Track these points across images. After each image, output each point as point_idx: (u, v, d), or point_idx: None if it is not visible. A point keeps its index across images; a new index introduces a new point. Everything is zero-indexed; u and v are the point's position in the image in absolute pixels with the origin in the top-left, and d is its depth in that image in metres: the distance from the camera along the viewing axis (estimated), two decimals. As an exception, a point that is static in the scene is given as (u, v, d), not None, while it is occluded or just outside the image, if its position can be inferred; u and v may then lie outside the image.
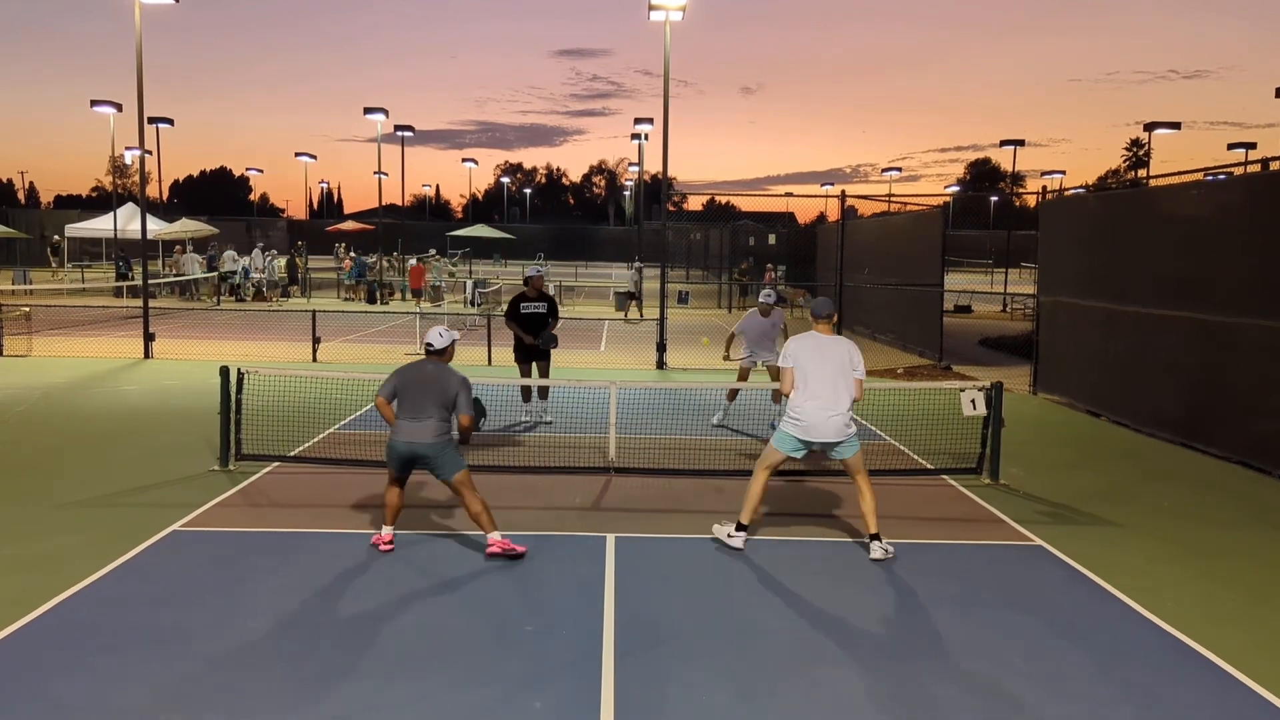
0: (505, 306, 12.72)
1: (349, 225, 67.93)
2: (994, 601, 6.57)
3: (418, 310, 26.36)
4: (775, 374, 12.19)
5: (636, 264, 34.98)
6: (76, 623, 5.86)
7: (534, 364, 12.25)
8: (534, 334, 12.10)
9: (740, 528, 7.54)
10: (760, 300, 12.55)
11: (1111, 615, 6.38)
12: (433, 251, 47.85)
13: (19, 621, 5.81)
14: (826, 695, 5.16)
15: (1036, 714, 4.99)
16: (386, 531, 7.33)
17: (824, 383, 7.41)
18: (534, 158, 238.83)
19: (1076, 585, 6.94)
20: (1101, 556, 7.50)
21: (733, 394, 12.54)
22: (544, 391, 12.29)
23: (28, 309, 20.25)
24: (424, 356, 7.44)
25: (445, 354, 7.43)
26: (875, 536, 7.44)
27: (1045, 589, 6.85)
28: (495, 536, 7.18)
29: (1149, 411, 12.59)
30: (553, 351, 12.41)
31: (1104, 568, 7.23)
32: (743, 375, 12.42)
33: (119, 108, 38.36)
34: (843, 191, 19.42)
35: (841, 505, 8.81)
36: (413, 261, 38.67)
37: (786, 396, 7.58)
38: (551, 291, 35.96)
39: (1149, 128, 40.99)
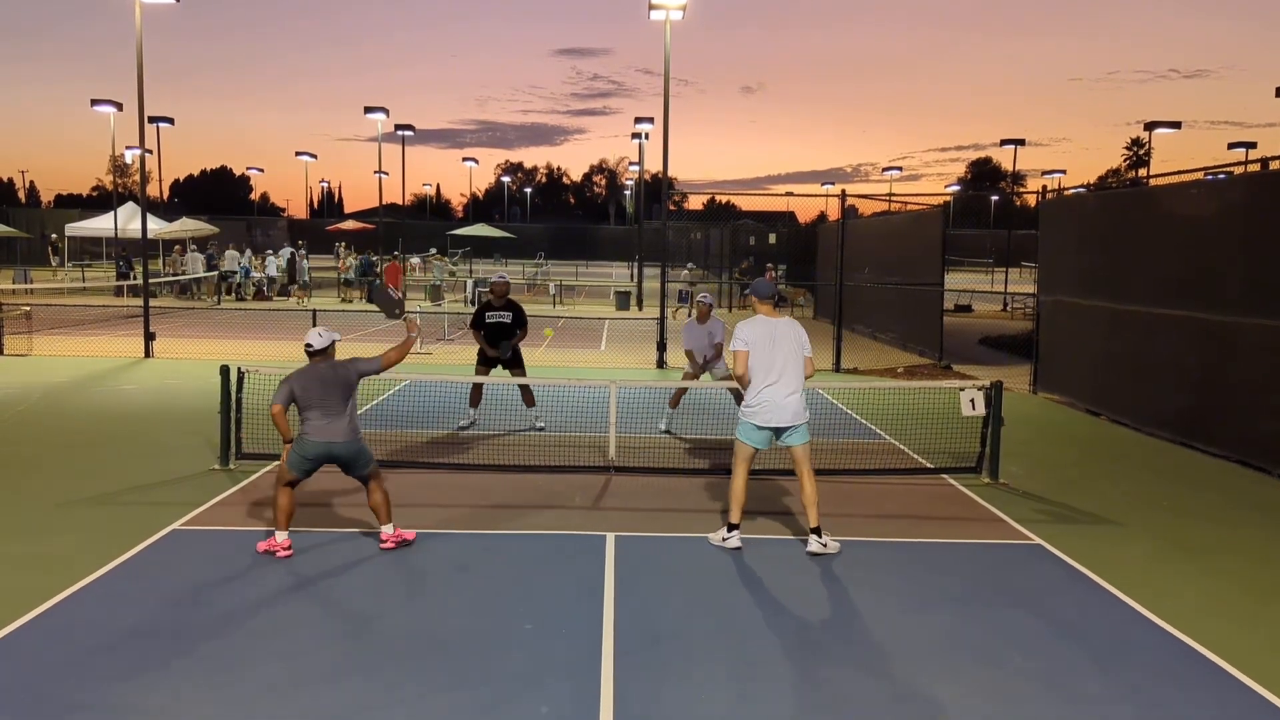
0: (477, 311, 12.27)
1: (349, 224, 68.00)
2: (994, 600, 6.57)
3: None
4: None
5: (689, 265, 35.25)
6: (77, 621, 5.87)
7: (508, 373, 11.82)
8: (495, 346, 11.66)
9: (731, 528, 7.52)
10: (698, 300, 11.77)
11: (1111, 614, 6.38)
12: (433, 251, 47.89)
13: (20, 620, 5.82)
14: (827, 694, 5.16)
15: (1036, 713, 5.00)
16: (283, 537, 7.12)
17: (778, 366, 7.39)
18: (534, 157, 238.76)
19: (1076, 584, 6.94)
20: (1101, 555, 7.51)
21: (676, 400, 12.13)
22: (530, 399, 11.92)
23: (28, 308, 20.26)
24: (320, 360, 7.24)
25: (327, 354, 7.29)
26: (816, 530, 7.45)
27: (1045, 588, 6.85)
28: (388, 530, 7.24)
29: (1149, 411, 12.60)
30: (553, 349, 12.13)
31: (1103, 567, 7.23)
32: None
33: (119, 107, 38.42)
34: (843, 191, 19.41)
35: (839, 504, 8.81)
36: (373, 259, 38.21)
37: (739, 379, 7.50)
38: (552, 291, 36.23)
39: (1149, 127, 41.03)
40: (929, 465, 10.40)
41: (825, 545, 7.39)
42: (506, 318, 11.79)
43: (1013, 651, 5.74)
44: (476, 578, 6.80)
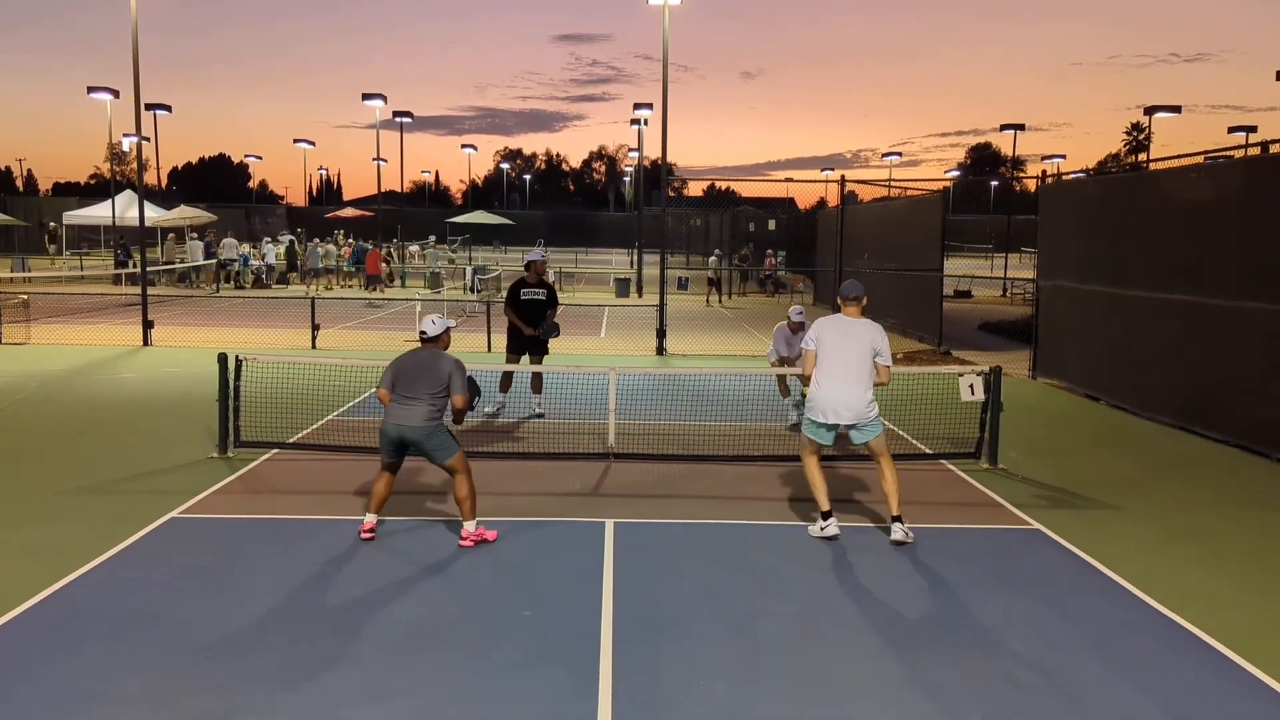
0: (504, 293, 12.41)
1: (348, 212, 67.88)
2: (993, 585, 6.57)
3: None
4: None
5: (716, 252, 35.30)
6: (76, 609, 5.87)
7: (528, 356, 11.94)
8: (532, 323, 11.77)
9: (826, 515, 7.54)
10: (792, 318, 11.59)
11: (1109, 598, 6.38)
12: (432, 238, 47.84)
13: (19, 607, 5.82)
14: (825, 678, 5.17)
15: (1034, 696, 5.00)
16: (370, 519, 7.26)
17: (840, 364, 7.40)
18: (533, 143, 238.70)
19: (1074, 569, 6.94)
20: (1099, 540, 7.51)
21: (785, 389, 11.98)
22: (538, 385, 11.98)
23: (26, 296, 20.23)
24: (429, 347, 7.34)
25: (440, 341, 7.37)
26: (897, 519, 7.44)
27: (1043, 572, 6.86)
28: (470, 528, 7.17)
29: (1148, 395, 12.59)
30: (552, 339, 12.10)
31: (1101, 551, 7.24)
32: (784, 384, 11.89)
33: (116, 94, 38.27)
34: (842, 176, 19.39)
35: (843, 490, 8.81)
36: (368, 246, 37.99)
37: (807, 379, 7.63)
38: (551, 278, 36.18)
39: (1149, 111, 40.91)
40: (928, 451, 10.40)
41: (907, 535, 7.38)
42: (541, 295, 11.93)
43: (1012, 635, 5.74)
44: (475, 565, 6.79)
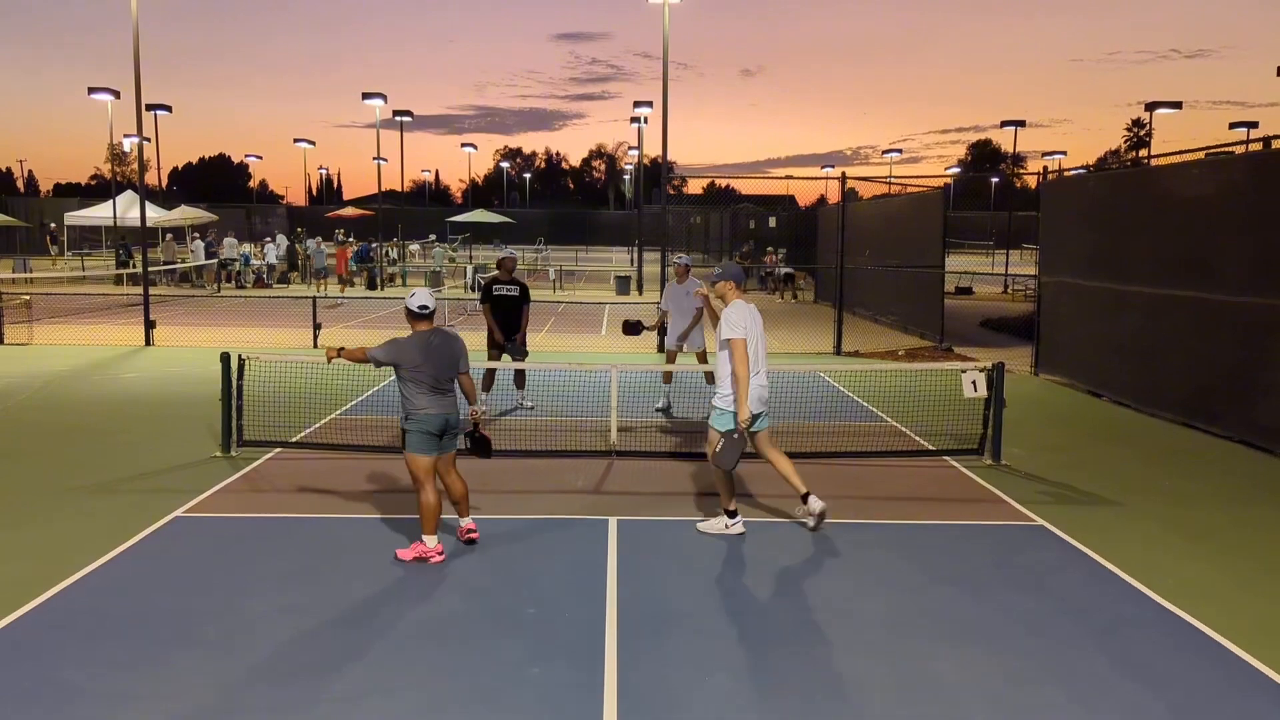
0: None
1: (349, 211, 67.84)
2: (996, 581, 6.58)
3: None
4: (701, 358, 11.97)
5: (746, 246, 35.07)
6: (81, 608, 5.88)
7: (508, 356, 11.93)
8: (507, 318, 11.83)
9: (731, 515, 7.44)
10: (678, 264, 12.20)
11: (1112, 594, 6.39)
12: (432, 237, 47.84)
13: (25, 606, 5.83)
14: (831, 675, 5.17)
15: (1038, 691, 5.01)
16: (434, 541, 6.79)
17: (759, 352, 7.33)
18: (533, 142, 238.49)
19: (1078, 564, 6.95)
20: (1102, 536, 7.51)
21: (668, 376, 12.39)
22: (521, 380, 12.18)
23: (28, 297, 20.23)
24: (427, 326, 6.86)
25: (434, 317, 7.00)
26: (806, 496, 7.43)
27: (1047, 568, 6.86)
28: (467, 522, 7.15)
29: (1151, 391, 12.59)
30: (553, 334, 12.17)
31: (1105, 547, 7.24)
32: (670, 359, 12.13)
33: (116, 95, 38.27)
34: (843, 173, 19.36)
35: (840, 487, 8.81)
36: (333, 244, 37.86)
37: (740, 369, 7.04)
38: (553, 276, 36.16)
39: (1150, 107, 40.86)
40: (930, 447, 10.40)
41: (822, 508, 7.39)
42: (515, 291, 11.96)
43: (1017, 631, 5.74)
44: (478, 562, 6.80)
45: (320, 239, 36.86)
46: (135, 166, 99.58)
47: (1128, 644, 5.60)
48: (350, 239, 41.55)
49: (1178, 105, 39.98)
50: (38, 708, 4.69)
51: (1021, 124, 45.31)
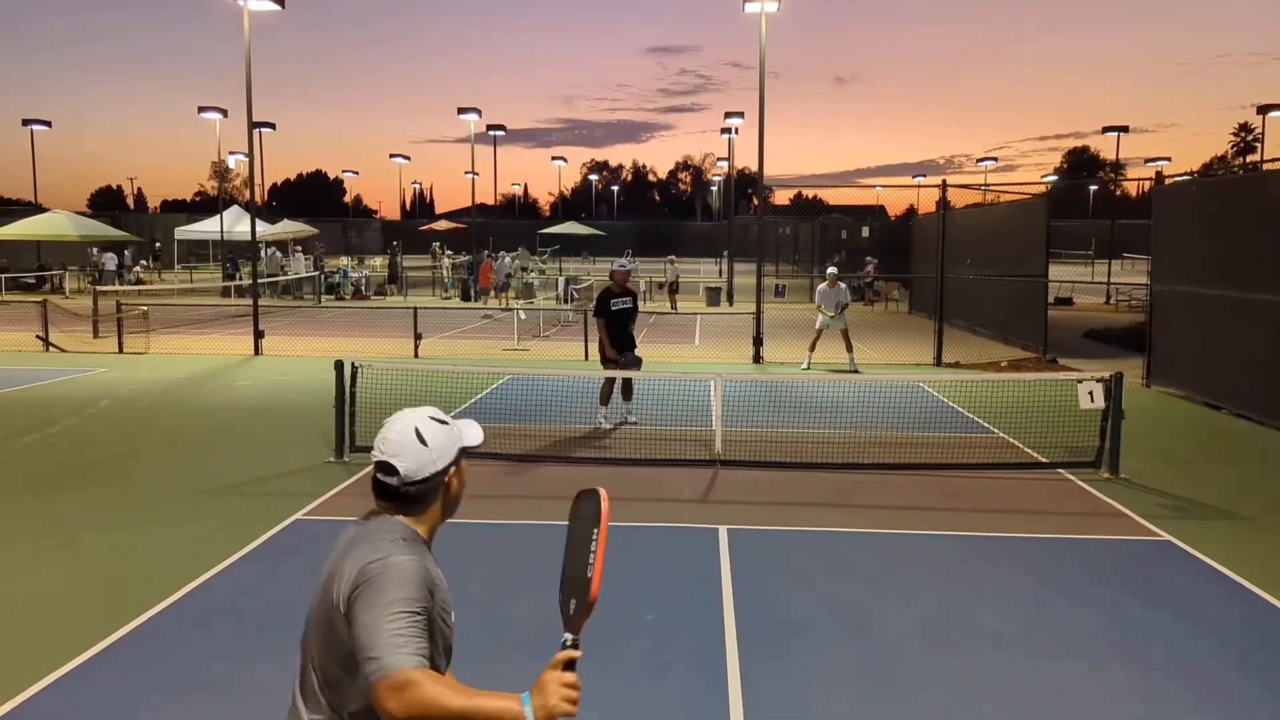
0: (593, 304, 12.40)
1: (442, 224, 69.21)
2: (1125, 597, 6.35)
3: (510, 307, 26.53)
4: None
5: (873, 261, 34.60)
6: (216, 605, 6.08)
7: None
8: (621, 331, 11.76)
9: None
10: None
11: (1251, 611, 6.12)
12: (522, 249, 48.36)
13: (162, 603, 6.05)
14: (961, 690, 5.05)
15: (1175, 710, 4.81)
16: None
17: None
18: (620, 155, 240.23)
19: (1210, 581, 6.67)
20: (1233, 551, 7.20)
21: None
22: (629, 391, 11.99)
23: (146, 308, 21.07)
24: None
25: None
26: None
27: (1178, 585, 6.61)
28: None
29: (1275, 402, 12.04)
30: (646, 345, 11.95)
31: (1237, 562, 6.94)
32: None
33: (225, 113, 39.69)
34: (943, 181, 19.05)
35: (955, 500, 8.63)
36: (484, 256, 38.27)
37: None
38: (642, 288, 36.17)
39: (1262, 110, 39.31)
40: (1044, 460, 10.12)
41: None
42: (628, 303, 11.92)
43: (1152, 649, 5.54)
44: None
45: (504, 252, 36.94)
46: (238, 183, 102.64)
47: (1269, 662, 5.35)
48: (488, 253, 42.02)
49: (1292, 107, 38.38)
50: (188, 698, 4.86)
51: (1125, 129, 44.16)
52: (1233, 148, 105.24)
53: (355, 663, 2.20)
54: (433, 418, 2.53)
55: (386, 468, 2.42)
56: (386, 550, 2.29)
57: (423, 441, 2.45)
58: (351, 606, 2.23)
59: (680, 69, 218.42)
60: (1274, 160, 14.01)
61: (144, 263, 42.11)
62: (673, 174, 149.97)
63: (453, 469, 2.54)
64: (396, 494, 2.44)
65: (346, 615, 2.24)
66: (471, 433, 2.60)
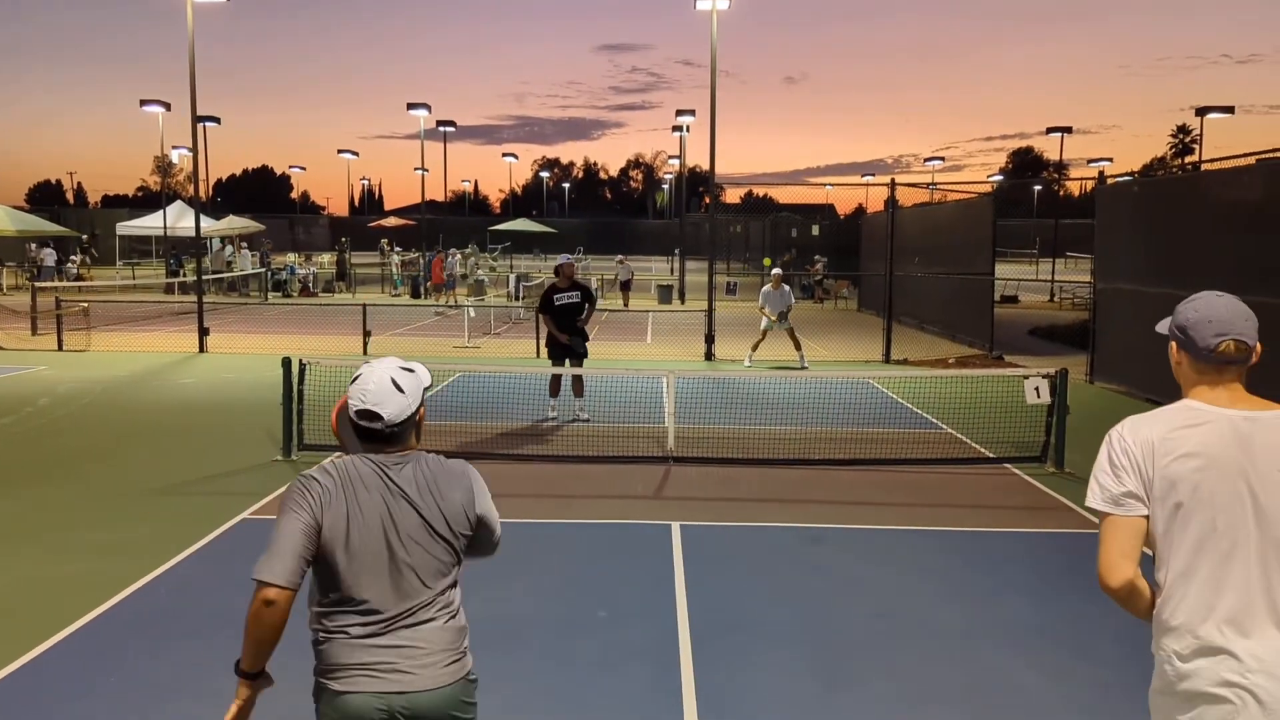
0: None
1: (391, 221, 68.53)
2: (1070, 589, 6.46)
3: (458, 304, 26.35)
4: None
5: (821, 259, 34.64)
6: (160, 608, 5.95)
7: (567, 362, 11.83)
8: (569, 326, 11.70)
9: None
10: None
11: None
12: (472, 246, 48.02)
13: (103, 605, 5.91)
14: (910, 683, 5.10)
15: (1125, 698, 4.91)
16: None
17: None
18: (571, 152, 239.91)
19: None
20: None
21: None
22: (579, 389, 11.89)
23: (86, 305, 20.58)
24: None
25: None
26: None
27: (1121, 577, 6.72)
28: None
29: (1213, 399, 12.31)
30: (599, 343, 11.99)
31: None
32: None
33: (168, 107, 38.94)
34: (892, 180, 19.28)
35: (904, 495, 8.72)
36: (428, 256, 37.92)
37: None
38: (594, 286, 36.09)
39: (1201, 112, 40.27)
40: (991, 455, 10.27)
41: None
42: (575, 297, 11.82)
43: (1096, 639, 5.64)
44: (545, 565, 6.79)
45: (455, 249, 36.45)
46: (181, 178, 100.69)
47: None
48: (439, 249, 41.42)
49: (1229, 110, 39.37)
50: (127, 701, 4.75)
51: (1068, 130, 44.99)
52: (1172, 149, 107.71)
53: (455, 549, 3.03)
54: (402, 366, 2.90)
55: (371, 415, 2.81)
56: (453, 463, 3.06)
57: (399, 389, 2.84)
58: (479, 501, 3.06)
59: (632, 66, 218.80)
60: (1212, 161, 14.37)
61: (73, 258, 40.43)
62: (624, 172, 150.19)
63: (420, 407, 2.93)
64: (382, 435, 2.85)
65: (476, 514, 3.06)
66: (425, 373, 3.00)
